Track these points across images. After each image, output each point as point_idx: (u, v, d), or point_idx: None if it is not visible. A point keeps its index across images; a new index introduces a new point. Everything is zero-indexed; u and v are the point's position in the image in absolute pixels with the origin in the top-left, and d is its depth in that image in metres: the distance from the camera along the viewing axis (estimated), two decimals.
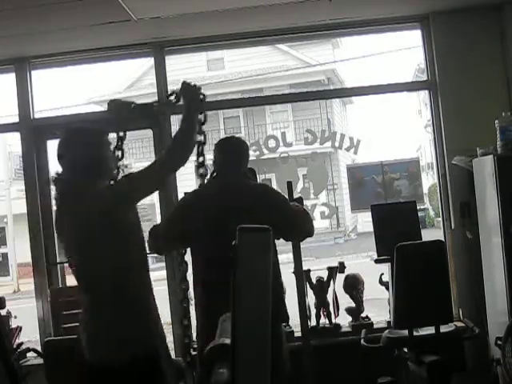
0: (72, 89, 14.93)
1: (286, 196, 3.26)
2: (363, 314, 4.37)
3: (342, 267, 4.30)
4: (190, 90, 2.82)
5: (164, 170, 2.63)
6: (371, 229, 4.13)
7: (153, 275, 2.68)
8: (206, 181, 3.11)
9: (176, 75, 5.15)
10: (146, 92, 10.14)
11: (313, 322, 4.26)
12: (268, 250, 1.72)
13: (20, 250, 12.90)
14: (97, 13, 3.74)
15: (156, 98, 4.49)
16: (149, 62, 6.29)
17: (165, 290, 4.23)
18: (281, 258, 3.06)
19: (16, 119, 4.57)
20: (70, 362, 3.71)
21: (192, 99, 2.78)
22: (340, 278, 4.33)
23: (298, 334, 3.80)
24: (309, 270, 4.23)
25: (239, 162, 3.10)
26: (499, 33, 4.37)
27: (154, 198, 5.21)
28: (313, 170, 5.57)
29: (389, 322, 4.07)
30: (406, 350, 3.59)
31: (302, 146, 6.39)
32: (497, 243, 3.80)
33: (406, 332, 3.52)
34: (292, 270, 3.54)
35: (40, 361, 3.99)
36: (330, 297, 4.31)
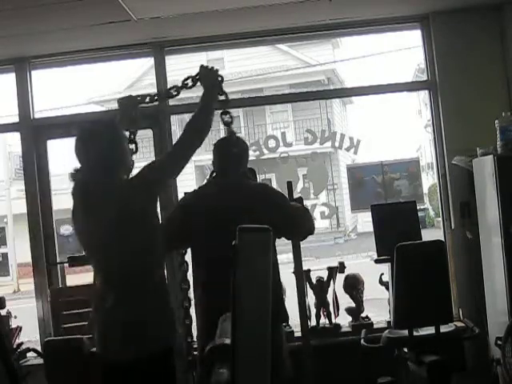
0: (72, 89, 14.89)
1: (286, 196, 3.25)
2: (363, 314, 4.37)
3: (341, 267, 4.30)
4: (208, 73, 2.89)
5: (183, 152, 2.66)
6: (371, 229, 4.13)
7: None
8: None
9: (176, 75, 5.14)
10: (146, 92, 10.10)
11: (313, 322, 4.26)
12: (268, 250, 1.72)
13: (20, 250, 12.90)
14: (97, 13, 3.74)
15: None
16: (149, 62, 6.28)
17: None
18: (281, 257, 3.06)
19: (16, 119, 4.57)
20: (70, 362, 3.72)
21: (210, 82, 2.86)
22: (340, 278, 4.33)
23: (298, 334, 3.79)
24: (309, 270, 4.23)
25: (239, 161, 3.09)
26: (499, 33, 4.37)
27: None
28: (313, 169, 5.57)
29: (389, 322, 4.07)
30: (405, 350, 3.58)
31: (302, 145, 6.38)
32: (497, 243, 3.80)
33: (406, 332, 3.51)
34: (292, 270, 3.54)
35: (40, 361, 3.99)
36: (330, 297, 4.31)
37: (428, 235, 4.42)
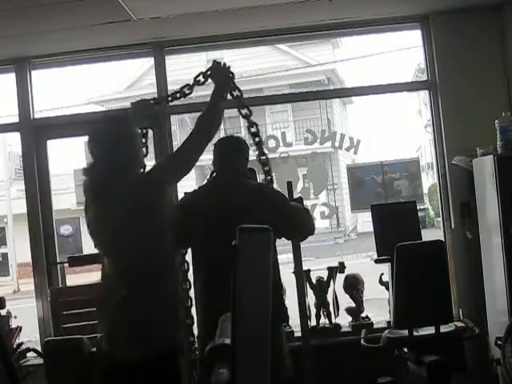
0: (72, 89, 14.88)
1: (286, 196, 3.25)
2: (363, 314, 4.37)
3: (341, 267, 4.30)
4: (219, 69, 2.93)
5: (192, 150, 2.68)
6: (371, 229, 4.13)
7: None
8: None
9: (176, 75, 5.14)
10: (146, 92, 10.12)
11: (313, 322, 4.26)
12: (268, 250, 1.72)
13: (20, 250, 12.90)
14: (97, 13, 3.74)
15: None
16: (149, 62, 6.28)
17: None
18: (281, 257, 3.05)
19: (16, 119, 4.58)
20: (70, 362, 3.72)
21: (222, 78, 2.90)
22: (340, 278, 4.33)
23: (298, 334, 3.79)
24: (309, 270, 4.23)
25: (239, 161, 3.09)
26: (499, 33, 4.37)
27: None
28: (313, 169, 5.56)
29: (389, 322, 4.07)
30: (406, 350, 3.58)
31: (302, 145, 6.37)
32: (497, 243, 3.80)
33: (406, 332, 3.51)
34: (292, 270, 3.54)
35: (40, 361, 3.99)
36: (330, 297, 4.30)
37: (428, 235, 4.42)
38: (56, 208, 4.63)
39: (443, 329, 3.54)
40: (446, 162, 4.36)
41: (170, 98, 3.15)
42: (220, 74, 2.92)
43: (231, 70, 2.95)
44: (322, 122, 14.55)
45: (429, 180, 13.19)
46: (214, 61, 2.97)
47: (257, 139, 3.12)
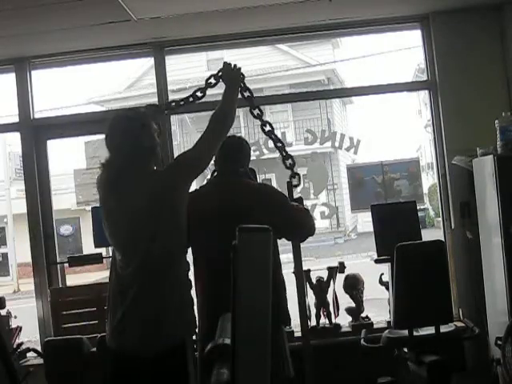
0: (72, 89, 14.88)
1: (286, 196, 3.25)
2: (363, 314, 4.37)
3: (342, 267, 4.30)
4: (230, 71, 2.97)
5: (209, 144, 2.73)
6: (371, 229, 4.13)
7: None
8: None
9: (176, 75, 5.16)
10: (146, 92, 10.12)
11: (313, 322, 4.26)
12: (268, 250, 1.71)
13: (20, 250, 12.90)
14: (97, 13, 3.74)
15: (156, 99, 4.50)
16: (149, 62, 6.29)
17: None
18: (281, 257, 3.05)
19: (16, 119, 4.58)
20: (70, 362, 3.72)
21: (232, 79, 2.94)
22: (340, 278, 4.33)
23: (298, 333, 3.79)
24: (309, 270, 4.23)
25: (239, 161, 3.09)
26: (499, 33, 4.37)
27: None
28: (313, 169, 5.57)
29: (389, 322, 4.07)
30: (406, 350, 3.58)
31: (302, 145, 6.38)
32: (497, 243, 3.80)
33: (406, 332, 3.51)
34: (292, 270, 3.53)
35: (40, 361, 3.99)
36: (330, 297, 4.30)
37: (428, 235, 4.42)
38: (56, 208, 4.63)
39: (443, 329, 3.54)
40: (446, 162, 4.36)
41: (182, 103, 3.16)
42: (231, 76, 2.96)
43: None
44: (322, 122, 14.54)
45: (429, 180, 13.18)
46: (225, 62, 3.00)
47: (279, 144, 3.17)
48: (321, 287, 4.28)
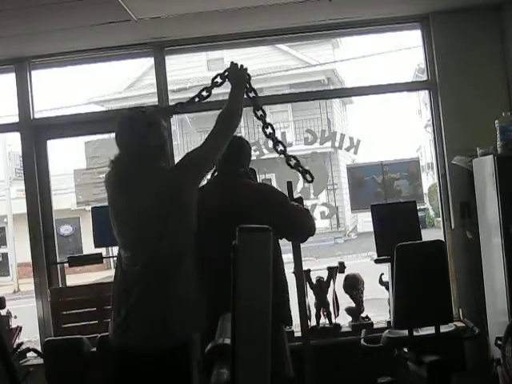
0: (72, 89, 14.87)
1: (287, 196, 3.25)
2: (363, 314, 4.37)
3: (342, 267, 4.30)
4: (237, 70, 2.97)
5: (216, 142, 2.74)
6: (371, 229, 4.13)
7: None
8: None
9: (176, 75, 5.15)
10: (146, 92, 10.12)
11: (313, 322, 4.26)
12: (268, 250, 1.71)
13: (20, 250, 12.90)
14: (97, 13, 3.74)
15: (156, 99, 4.50)
16: (149, 62, 6.28)
17: None
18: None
19: (16, 119, 4.58)
20: (70, 362, 3.72)
21: (239, 79, 2.95)
22: (340, 278, 4.33)
23: (298, 334, 3.79)
24: (309, 270, 4.23)
25: (240, 161, 3.09)
26: (499, 33, 4.37)
27: None
28: (313, 170, 5.55)
29: (389, 322, 4.07)
30: (406, 350, 3.58)
31: (302, 145, 6.37)
32: (497, 243, 3.80)
33: (406, 332, 3.51)
34: (292, 270, 3.53)
35: (40, 361, 3.99)
36: (330, 297, 4.30)
37: (428, 235, 4.43)
38: (56, 208, 4.63)
39: (443, 329, 3.54)
40: (446, 162, 4.36)
41: (189, 103, 3.15)
42: (237, 76, 2.96)
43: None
44: (322, 122, 14.53)
45: (429, 180, 13.18)
46: (232, 62, 3.01)
47: (281, 147, 3.16)
48: (321, 287, 4.28)
